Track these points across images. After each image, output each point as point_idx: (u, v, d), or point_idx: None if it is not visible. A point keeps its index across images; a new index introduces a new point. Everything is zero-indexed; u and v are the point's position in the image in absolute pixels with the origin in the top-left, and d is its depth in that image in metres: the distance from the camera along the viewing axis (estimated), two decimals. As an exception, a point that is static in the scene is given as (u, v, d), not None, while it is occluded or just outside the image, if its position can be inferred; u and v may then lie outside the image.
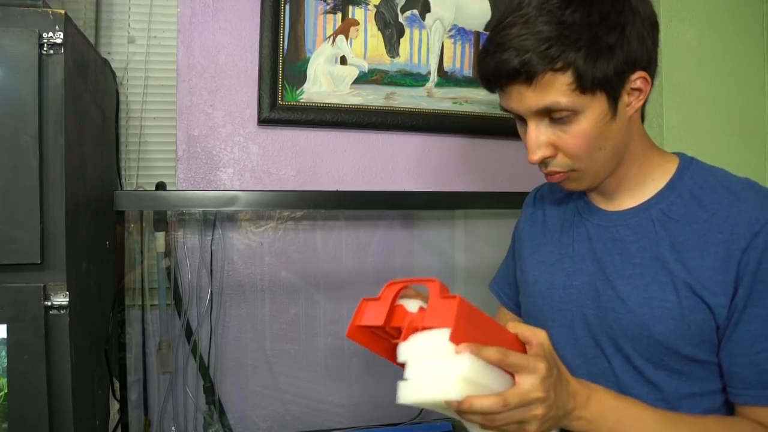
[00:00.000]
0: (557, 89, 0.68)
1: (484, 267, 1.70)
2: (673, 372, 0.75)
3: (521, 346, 0.67)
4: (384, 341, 0.71)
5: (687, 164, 0.79)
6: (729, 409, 0.76)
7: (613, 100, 0.70)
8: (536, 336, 0.67)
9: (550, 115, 0.71)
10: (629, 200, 0.80)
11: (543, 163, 0.76)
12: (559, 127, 0.72)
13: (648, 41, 0.71)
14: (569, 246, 0.85)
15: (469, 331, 0.60)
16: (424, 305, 0.65)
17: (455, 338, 0.58)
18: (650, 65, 0.73)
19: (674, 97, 1.51)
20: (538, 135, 0.73)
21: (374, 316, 0.67)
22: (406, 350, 0.63)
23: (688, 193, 0.76)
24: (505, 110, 0.76)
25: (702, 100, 1.52)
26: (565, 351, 0.82)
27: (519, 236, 0.98)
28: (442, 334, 0.59)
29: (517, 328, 0.68)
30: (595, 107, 0.70)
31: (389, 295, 0.68)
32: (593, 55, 0.67)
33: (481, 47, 0.75)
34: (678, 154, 0.81)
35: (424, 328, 0.62)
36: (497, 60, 0.70)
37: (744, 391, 0.71)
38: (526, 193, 1.04)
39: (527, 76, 0.68)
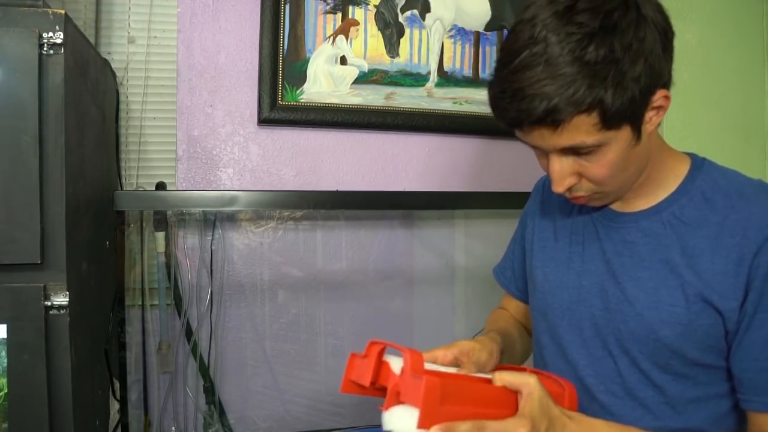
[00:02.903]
0: (584, 130, 0.65)
1: (484, 267, 1.70)
2: (679, 375, 0.74)
3: (513, 395, 0.67)
4: (378, 391, 0.72)
5: (698, 166, 0.78)
6: (736, 414, 0.76)
7: (637, 126, 0.68)
8: (526, 385, 0.66)
9: (575, 150, 0.69)
10: (641, 202, 0.79)
11: (567, 189, 0.74)
12: (583, 158, 0.70)
13: (668, 58, 0.69)
14: (579, 245, 0.84)
15: (442, 411, 0.61)
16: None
17: (423, 423, 0.59)
18: (669, 81, 0.71)
19: (674, 97, 1.50)
20: (563, 168, 0.71)
21: (362, 374, 0.69)
22: (387, 421, 0.64)
23: (700, 195, 0.75)
24: (518, 139, 0.73)
25: (702, 100, 1.52)
26: (573, 350, 0.82)
27: (531, 228, 0.96)
28: (415, 416, 0.60)
29: (503, 379, 0.67)
30: (620, 138, 0.68)
31: (373, 354, 0.69)
32: (620, 92, 0.63)
33: (492, 83, 0.71)
34: (690, 154, 0.80)
35: (402, 401, 0.63)
36: (519, 108, 0.65)
37: (755, 398, 0.70)
38: (526, 194, 1.03)
39: (553, 122, 0.65)
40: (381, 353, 0.70)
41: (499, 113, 0.70)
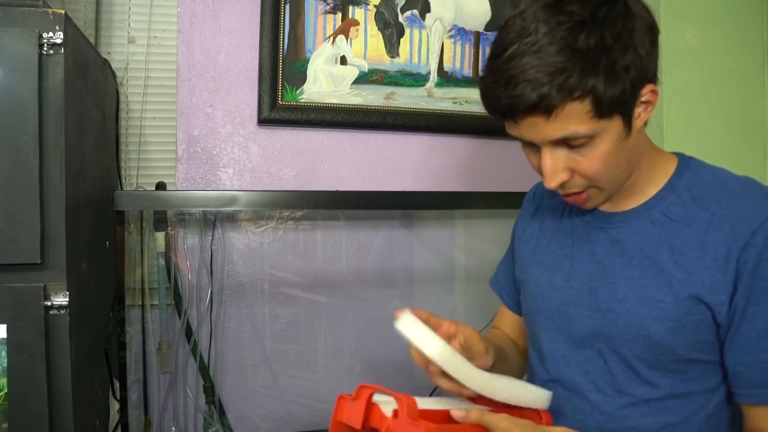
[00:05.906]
0: (576, 119, 0.66)
1: (484, 267, 1.70)
2: (669, 371, 0.75)
3: None
4: None
5: (685, 164, 0.79)
6: (725, 408, 0.76)
7: (628, 118, 0.69)
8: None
9: (567, 142, 0.69)
10: (629, 201, 0.80)
11: (560, 186, 0.74)
12: (575, 151, 0.70)
13: (654, 53, 0.70)
14: (568, 247, 0.85)
15: None
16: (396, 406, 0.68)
17: None
18: (656, 76, 0.72)
19: (674, 97, 1.51)
20: (555, 162, 0.71)
21: (352, 416, 0.72)
22: None
23: (687, 193, 0.76)
24: (513, 137, 0.73)
25: (702, 100, 1.52)
26: (564, 351, 0.83)
27: (519, 235, 0.97)
28: None
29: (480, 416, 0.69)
30: (612, 129, 0.68)
31: (363, 397, 0.72)
32: (611, 80, 0.64)
33: (483, 75, 0.72)
34: (677, 153, 0.81)
35: None
36: (511, 94, 0.66)
37: (749, 391, 0.71)
38: (526, 193, 1.03)
39: (545, 109, 0.65)
40: (371, 396, 0.72)
41: (492, 103, 0.70)
